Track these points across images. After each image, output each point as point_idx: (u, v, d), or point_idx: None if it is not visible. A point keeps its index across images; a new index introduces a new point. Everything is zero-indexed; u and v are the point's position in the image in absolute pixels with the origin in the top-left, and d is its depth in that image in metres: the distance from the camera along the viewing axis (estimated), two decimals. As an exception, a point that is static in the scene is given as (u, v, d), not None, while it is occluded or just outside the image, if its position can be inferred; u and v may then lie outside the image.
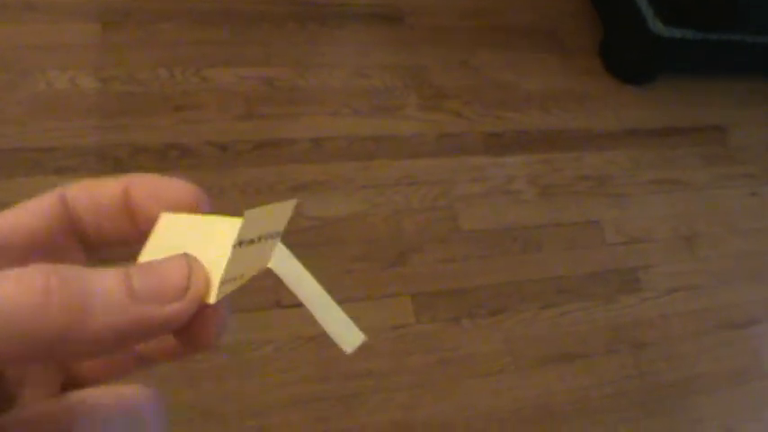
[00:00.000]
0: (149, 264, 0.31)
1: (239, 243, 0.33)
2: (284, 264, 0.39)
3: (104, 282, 0.28)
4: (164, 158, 1.71)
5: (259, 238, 0.35)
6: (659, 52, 2.20)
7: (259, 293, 1.62)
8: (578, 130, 2.10)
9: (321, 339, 1.63)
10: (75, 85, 1.74)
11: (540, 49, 2.21)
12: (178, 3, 1.93)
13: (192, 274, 0.31)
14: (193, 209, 0.36)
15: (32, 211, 0.35)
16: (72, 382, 0.37)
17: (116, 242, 0.37)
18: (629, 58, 2.24)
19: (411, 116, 1.96)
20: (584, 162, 2.05)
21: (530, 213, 1.93)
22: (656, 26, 2.10)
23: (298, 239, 1.70)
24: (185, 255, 0.32)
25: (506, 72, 2.13)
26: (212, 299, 0.32)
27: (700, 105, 2.30)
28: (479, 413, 1.67)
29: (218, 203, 0.30)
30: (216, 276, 0.33)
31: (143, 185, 0.35)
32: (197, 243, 0.33)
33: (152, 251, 0.34)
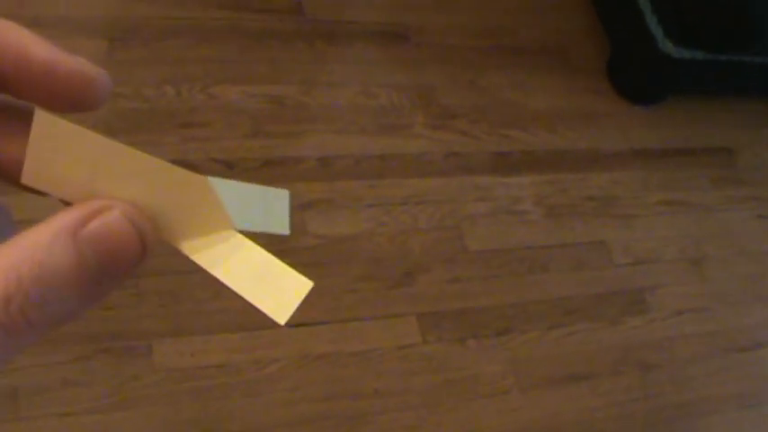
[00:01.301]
0: (101, 239, 0.28)
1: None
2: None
3: (60, 280, 0.27)
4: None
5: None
6: (668, 73, 2.20)
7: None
8: (586, 150, 2.10)
9: (327, 358, 1.63)
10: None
11: (547, 69, 2.21)
12: (185, 20, 1.93)
13: (145, 243, 0.29)
14: (77, 94, 0.31)
15: None
16: None
17: None
18: (637, 78, 2.24)
19: (418, 135, 1.96)
20: (591, 182, 2.05)
21: (536, 234, 1.92)
22: (666, 46, 2.09)
23: (304, 258, 1.70)
24: (126, 213, 0.29)
25: (514, 91, 2.12)
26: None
27: (708, 126, 2.30)
28: (484, 435, 1.67)
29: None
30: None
31: (9, 49, 0.31)
32: (125, 179, 0.30)
33: (44, 170, 0.31)
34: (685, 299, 1.97)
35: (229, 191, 0.33)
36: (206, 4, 1.96)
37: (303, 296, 0.33)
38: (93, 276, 0.28)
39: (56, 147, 0.30)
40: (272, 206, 0.36)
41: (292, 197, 0.36)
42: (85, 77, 0.31)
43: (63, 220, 0.28)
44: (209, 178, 0.31)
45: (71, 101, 0.31)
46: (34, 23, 1.81)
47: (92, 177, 0.30)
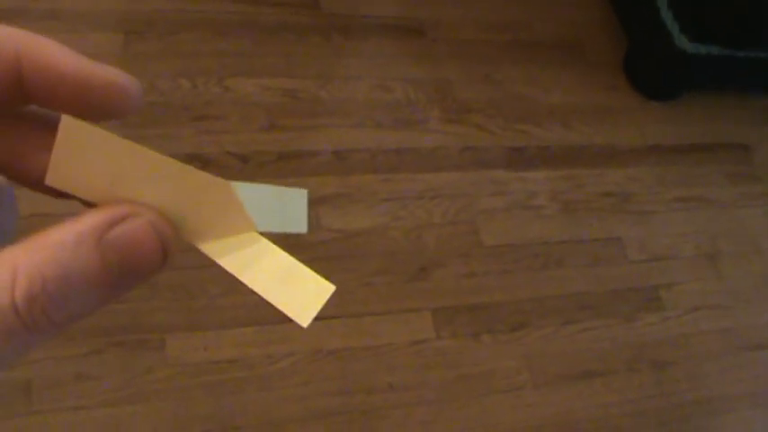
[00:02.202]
0: (125, 245, 0.29)
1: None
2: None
3: (83, 283, 0.28)
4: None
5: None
6: (684, 68, 2.19)
7: (279, 306, 1.62)
8: (601, 145, 2.09)
9: (341, 353, 1.63)
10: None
11: (563, 64, 2.20)
12: (200, 13, 1.93)
13: (167, 250, 0.30)
14: (109, 104, 0.32)
15: None
16: None
17: None
18: (653, 73, 2.23)
19: (434, 129, 1.96)
20: (606, 178, 2.04)
21: (552, 229, 1.92)
22: (682, 42, 2.09)
23: (319, 252, 1.70)
24: (150, 221, 0.30)
25: (529, 86, 2.12)
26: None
27: (725, 123, 2.29)
28: (498, 430, 1.66)
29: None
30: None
31: (42, 63, 0.31)
32: (153, 185, 0.31)
33: (69, 173, 0.31)
34: (701, 296, 1.96)
35: (248, 193, 0.33)
36: (221, -3, 1.96)
37: (325, 299, 0.34)
38: (114, 280, 0.29)
39: (81, 149, 0.30)
40: (289, 206, 0.37)
41: (310, 196, 0.36)
42: (117, 87, 0.32)
43: (88, 223, 0.29)
44: (231, 183, 0.32)
45: (102, 110, 0.32)
46: (50, 17, 1.81)
47: (115, 180, 0.31)
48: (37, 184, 0.32)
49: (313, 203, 1.74)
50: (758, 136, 2.30)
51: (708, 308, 1.95)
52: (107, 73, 0.32)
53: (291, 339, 1.61)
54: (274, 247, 0.33)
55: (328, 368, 1.61)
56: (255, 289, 0.33)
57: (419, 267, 1.77)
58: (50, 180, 0.31)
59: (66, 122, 0.30)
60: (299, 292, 0.34)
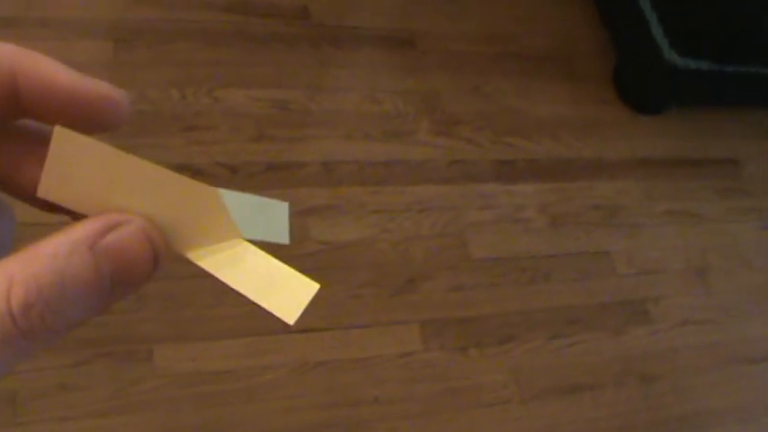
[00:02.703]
0: (118, 252, 0.30)
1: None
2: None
3: (78, 290, 0.29)
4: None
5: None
6: (674, 83, 2.20)
7: (266, 318, 1.61)
8: (590, 158, 2.10)
9: (329, 365, 1.63)
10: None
11: (552, 77, 2.21)
12: (190, 23, 1.93)
13: (158, 257, 0.31)
14: (100, 117, 0.33)
15: None
16: None
17: None
18: (643, 87, 2.24)
19: (422, 141, 1.96)
20: (595, 191, 2.04)
21: (540, 242, 1.92)
22: (672, 56, 2.09)
23: (307, 263, 1.70)
24: (142, 228, 0.31)
25: (518, 99, 2.12)
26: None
27: (713, 137, 2.30)
28: (485, 443, 1.66)
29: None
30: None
31: (36, 78, 0.32)
32: (143, 195, 0.32)
33: (61, 184, 0.32)
34: (689, 310, 1.96)
35: (232, 201, 0.34)
36: (212, 7, 1.96)
37: (310, 297, 0.34)
38: (107, 287, 0.29)
39: (73, 160, 0.31)
40: (272, 216, 0.37)
41: (292, 207, 0.36)
42: (108, 100, 0.32)
43: (81, 232, 0.29)
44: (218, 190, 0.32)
45: (94, 122, 0.32)
46: (41, 25, 1.81)
47: (107, 190, 0.31)
48: (30, 197, 0.33)
49: (301, 215, 1.74)
50: (747, 151, 2.31)
51: (696, 322, 1.95)
52: (98, 87, 0.32)
53: (279, 351, 1.61)
54: (258, 250, 0.34)
55: (315, 380, 1.61)
56: (241, 290, 0.33)
57: (407, 279, 1.77)
58: (42, 192, 0.32)
59: (59, 133, 0.30)
60: (285, 292, 0.34)
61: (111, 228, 0.30)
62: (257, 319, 1.62)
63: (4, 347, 0.27)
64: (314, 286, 0.35)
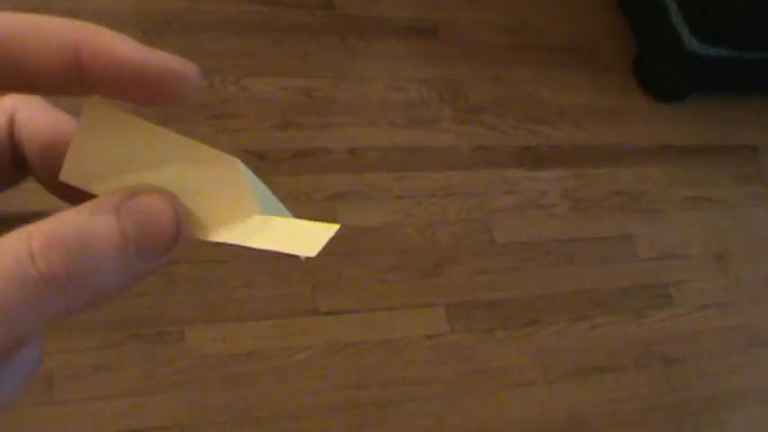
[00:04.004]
0: (142, 212, 0.29)
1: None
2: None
3: (100, 242, 0.28)
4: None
5: None
6: (694, 70, 2.21)
7: (295, 300, 1.64)
8: (612, 145, 2.11)
9: (356, 347, 1.64)
10: (115, 93, 1.76)
11: (574, 66, 2.22)
12: (217, 13, 1.95)
13: (179, 225, 0.30)
14: (173, 92, 0.32)
15: None
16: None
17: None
18: (663, 75, 2.24)
19: (446, 129, 1.98)
20: (617, 177, 2.06)
21: (563, 227, 1.94)
22: (692, 44, 2.10)
23: (334, 248, 1.71)
24: (166, 194, 0.31)
25: (540, 87, 2.14)
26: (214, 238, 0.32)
27: (733, 124, 2.31)
28: (510, 424, 1.68)
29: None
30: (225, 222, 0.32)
31: (100, 52, 0.30)
32: (173, 169, 0.32)
33: (85, 164, 0.32)
34: (709, 294, 1.98)
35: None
36: (238, -2, 1.98)
37: (332, 233, 0.32)
38: (131, 249, 0.28)
39: (101, 136, 0.31)
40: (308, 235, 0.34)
41: (319, 193, 0.34)
42: (177, 73, 0.31)
43: (105, 198, 0.29)
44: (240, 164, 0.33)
45: (162, 96, 0.32)
46: (68, 15, 1.82)
47: (129, 166, 0.31)
48: (55, 186, 0.33)
49: (328, 200, 1.77)
50: (766, 138, 2.32)
51: (716, 306, 1.97)
52: (166, 60, 0.31)
53: (308, 333, 1.63)
54: (275, 217, 0.33)
55: (344, 362, 1.63)
56: (262, 246, 0.32)
57: (433, 264, 1.79)
58: (65, 174, 0.32)
59: (91, 106, 0.31)
60: (306, 235, 0.32)
61: (135, 194, 0.30)
62: (286, 301, 1.64)
63: (23, 294, 0.26)
64: (335, 226, 0.33)
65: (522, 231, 1.90)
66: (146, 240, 0.29)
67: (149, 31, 1.87)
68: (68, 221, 0.27)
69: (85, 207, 0.28)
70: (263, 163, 1.78)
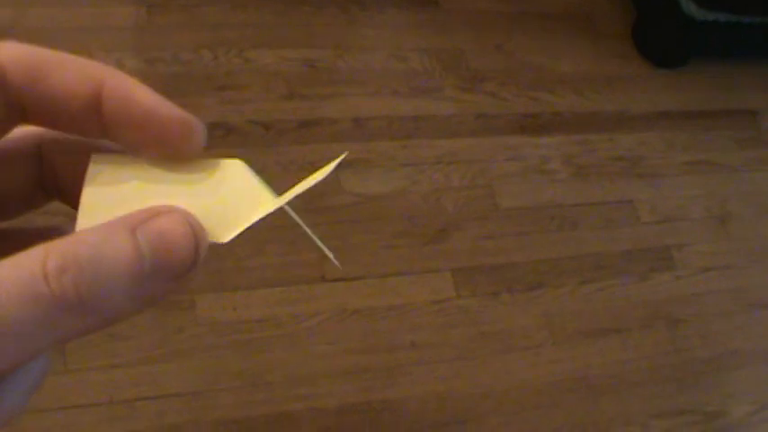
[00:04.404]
0: (159, 235, 0.29)
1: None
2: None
3: (114, 266, 0.28)
4: (209, 137, 1.74)
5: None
6: (692, 35, 2.22)
7: (304, 268, 1.66)
8: (612, 111, 2.13)
9: (365, 312, 1.66)
10: (121, 66, 1.77)
11: (573, 34, 2.24)
12: (220, -13, 1.96)
13: (198, 246, 0.30)
14: (181, 142, 0.33)
15: None
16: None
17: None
18: (661, 41, 2.26)
19: (449, 97, 1.99)
20: (617, 143, 2.08)
21: (565, 192, 1.96)
22: (690, 9, 2.11)
23: (341, 215, 1.74)
24: (185, 216, 0.31)
25: (541, 55, 2.15)
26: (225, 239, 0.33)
27: (733, 89, 2.32)
28: (518, 385, 1.70)
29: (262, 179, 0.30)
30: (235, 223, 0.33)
31: (119, 92, 0.32)
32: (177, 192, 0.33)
33: (102, 198, 0.33)
34: (711, 256, 2.00)
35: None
36: (241, -29, 1.99)
37: (339, 160, 0.35)
38: (146, 271, 0.28)
39: (108, 180, 0.33)
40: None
41: (324, 162, 0.35)
42: (184, 124, 0.33)
43: (125, 218, 0.29)
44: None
45: (170, 145, 0.33)
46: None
47: (142, 195, 0.33)
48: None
49: (335, 168, 1.78)
50: (765, 102, 2.33)
51: (718, 268, 1.99)
52: (176, 111, 0.32)
53: (317, 299, 1.65)
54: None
55: (353, 327, 1.65)
56: (274, 206, 0.34)
57: (438, 230, 1.81)
58: (81, 226, 0.32)
59: (95, 157, 0.33)
60: (314, 176, 0.35)
61: (154, 215, 0.30)
62: (295, 268, 1.66)
63: (35, 313, 0.27)
64: (340, 156, 0.35)
65: (525, 197, 1.92)
66: (161, 264, 0.29)
67: (153, 5, 1.89)
68: (85, 242, 0.28)
69: (104, 227, 0.29)
70: (268, 133, 1.80)
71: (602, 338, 1.80)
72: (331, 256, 0.37)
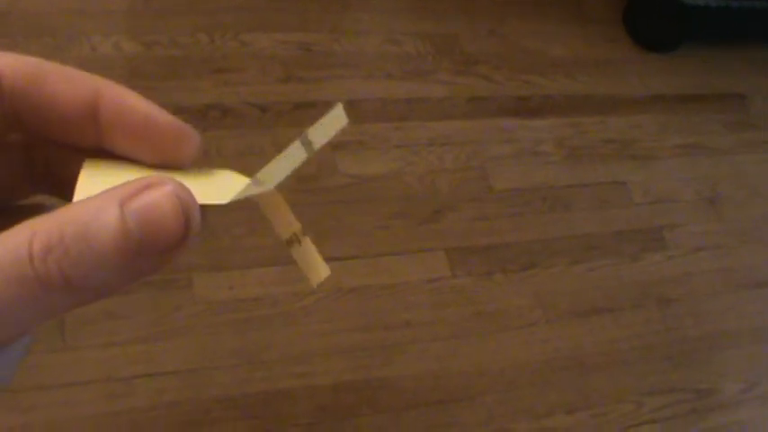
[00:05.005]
0: (147, 211, 0.28)
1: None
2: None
3: (101, 244, 0.27)
4: (204, 118, 1.76)
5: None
6: (682, 20, 2.24)
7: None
8: (604, 95, 2.15)
9: (361, 291, 1.68)
10: (118, 50, 1.79)
11: (565, 19, 2.26)
12: (215, -28, 1.97)
13: (190, 218, 0.29)
14: (177, 150, 0.33)
15: None
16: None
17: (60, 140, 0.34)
18: (652, 25, 2.27)
19: (442, 80, 2.01)
20: (609, 126, 2.10)
21: (558, 174, 1.97)
22: (680, -7, 2.13)
23: (336, 196, 1.75)
24: (175, 191, 0.29)
25: (533, 39, 2.17)
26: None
27: (722, 73, 2.34)
28: (512, 363, 1.71)
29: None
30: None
31: (116, 102, 0.33)
32: None
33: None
34: (702, 236, 2.02)
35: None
36: (236, -44, 2.00)
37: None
38: (133, 248, 0.28)
39: (100, 179, 0.33)
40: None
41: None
42: (180, 132, 0.33)
43: (114, 191, 0.28)
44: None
45: (165, 153, 0.33)
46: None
47: None
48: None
49: (329, 150, 1.79)
50: (755, 86, 2.35)
51: (709, 248, 2.01)
52: (172, 120, 0.33)
53: (313, 278, 1.66)
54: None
55: (349, 306, 1.66)
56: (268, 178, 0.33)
57: (433, 210, 1.82)
58: None
59: (89, 161, 0.33)
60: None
61: (145, 188, 0.29)
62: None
63: (20, 293, 0.27)
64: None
65: (518, 178, 1.93)
66: (149, 240, 0.28)
67: (150, -10, 1.90)
68: (71, 219, 0.28)
69: (92, 201, 0.28)
70: (265, 115, 1.81)
71: (595, 317, 1.81)
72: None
